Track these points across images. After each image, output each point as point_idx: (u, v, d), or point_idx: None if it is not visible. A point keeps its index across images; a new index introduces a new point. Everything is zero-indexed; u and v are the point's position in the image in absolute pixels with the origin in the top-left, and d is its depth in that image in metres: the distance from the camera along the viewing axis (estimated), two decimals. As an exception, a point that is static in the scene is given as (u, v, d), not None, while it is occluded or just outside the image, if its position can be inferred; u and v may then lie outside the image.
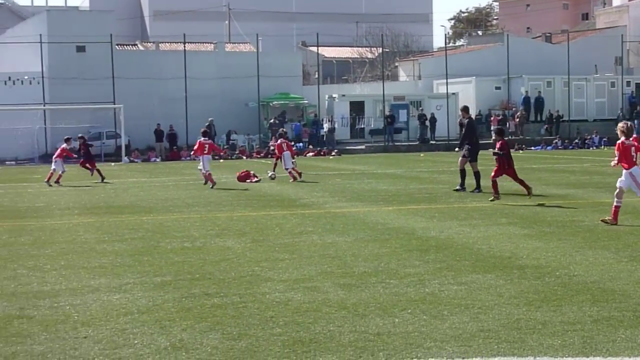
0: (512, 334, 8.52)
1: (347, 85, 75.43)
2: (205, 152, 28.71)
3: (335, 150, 55.63)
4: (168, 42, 77.00)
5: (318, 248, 14.35)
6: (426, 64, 72.58)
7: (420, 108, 63.12)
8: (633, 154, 16.79)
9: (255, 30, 68.73)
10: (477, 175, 24.12)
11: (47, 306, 10.24)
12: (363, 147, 58.54)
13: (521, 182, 21.73)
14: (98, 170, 32.63)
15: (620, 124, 17.36)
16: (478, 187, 23.96)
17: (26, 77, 56.15)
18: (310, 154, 55.20)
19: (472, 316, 9.25)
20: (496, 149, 21.62)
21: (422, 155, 51.86)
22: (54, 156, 32.48)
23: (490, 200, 21.20)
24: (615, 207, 16.64)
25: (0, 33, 69.59)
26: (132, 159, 50.44)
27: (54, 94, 56.00)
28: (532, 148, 59.20)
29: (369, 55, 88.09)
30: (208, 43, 75.61)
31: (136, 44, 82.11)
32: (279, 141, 31.56)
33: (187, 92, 57.06)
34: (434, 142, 60.51)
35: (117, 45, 62.42)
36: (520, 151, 54.24)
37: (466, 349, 8.03)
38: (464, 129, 25.32)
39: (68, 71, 56.20)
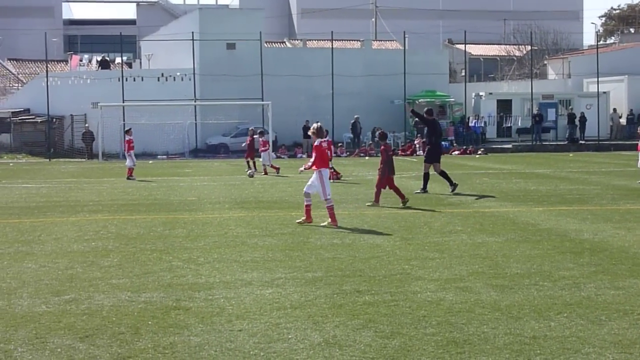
0: (675, 342, 8.24)
1: (494, 83, 74.50)
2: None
3: (482, 149, 55.01)
4: (315, 40, 77.71)
5: (468, 248, 14.21)
6: (576, 62, 71.10)
7: (570, 107, 61.82)
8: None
9: (401, 28, 68.67)
10: (426, 176, 24.66)
11: (202, 298, 10.45)
12: (510, 145, 57.71)
13: (396, 190, 21.44)
14: None
15: (313, 125, 18.10)
16: (424, 187, 24.58)
17: (178, 74, 57.61)
18: (456, 152, 54.66)
19: (632, 322, 8.99)
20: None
21: (571, 155, 50.72)
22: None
23: (368, 205, 21.10)
24: (306, 206, 17.68)
25: (154, 31, 71.74)
26: (279, 154, 50.97)
27: (204, 90, 57.30)
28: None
29: (517, 53, 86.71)
30: (355, 40, 76.02)
31: (284, 42, 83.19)
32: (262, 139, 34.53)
33: (334, 89, 57.38)
34: (583, 142, 59.14)
35: (266, 42, 63.31)
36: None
37: (627, 356, 7.80)
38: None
39: (218, 68, 57.39)
